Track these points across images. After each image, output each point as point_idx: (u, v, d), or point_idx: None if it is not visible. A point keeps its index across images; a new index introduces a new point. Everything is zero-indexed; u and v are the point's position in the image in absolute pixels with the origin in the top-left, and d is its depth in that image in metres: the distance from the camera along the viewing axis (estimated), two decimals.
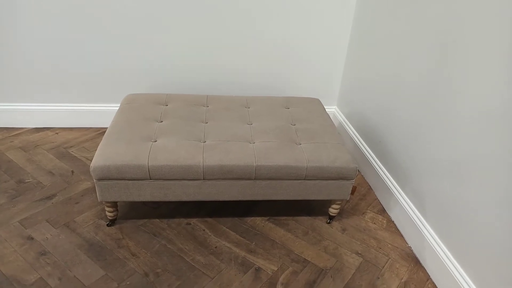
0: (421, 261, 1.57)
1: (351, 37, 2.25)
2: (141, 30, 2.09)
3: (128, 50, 2.14)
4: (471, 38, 1.26)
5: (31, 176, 1.88)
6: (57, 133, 2.26)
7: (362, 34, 2.10)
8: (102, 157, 1.44)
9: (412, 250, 1.63)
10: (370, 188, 2.01)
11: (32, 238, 1.53)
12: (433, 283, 1.49)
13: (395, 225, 1.77)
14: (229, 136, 1.59)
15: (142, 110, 1.74)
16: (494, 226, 1.19)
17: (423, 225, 1.56)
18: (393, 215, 1.79)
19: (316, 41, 2.26)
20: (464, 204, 1.32)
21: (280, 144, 1.57)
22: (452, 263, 1.38)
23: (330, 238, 1.66)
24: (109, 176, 1.43)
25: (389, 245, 1.65)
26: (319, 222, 1.75)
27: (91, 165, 1.42)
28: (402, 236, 1.71)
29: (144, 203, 1.76)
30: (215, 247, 1.56)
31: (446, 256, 1.41)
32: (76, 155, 2.07)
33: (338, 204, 1.68)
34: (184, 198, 1.53)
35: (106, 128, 2.35)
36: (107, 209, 1.56)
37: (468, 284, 1.30)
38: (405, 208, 1.67)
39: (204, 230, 1.64)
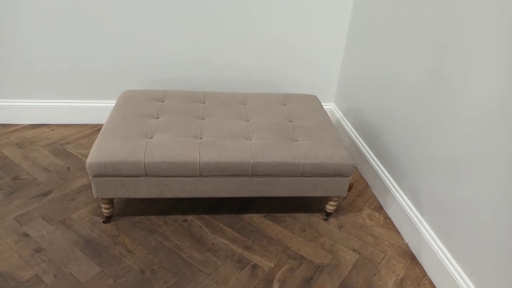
0: (418, 258, 1.57)
1: (349, 33, 2.24)
2: (138, 27, 2.08)
3: (125, 47, 2.13)
4: (471, 35, 1.26)
5: (27, 172, 1.87)
6: (53, 130, 2.24)
7: (360, 31, 2.09)
8: (98, 153, 1.43)
9: (408, 247, 1.63)
10: (367, 185, 2.01)
11: (28, 235, 1.52)
12: (429, 279, 1.49)
13: (392, 222, 1.77)
14: (225, 133, 1.59)
15: (139, 106, 1.73)
16: (491, 223, 1.19)
17: (420, 222, 1.56)
18: (390, 212, 1.79)
19: (314, 38, 2.25)
20: (461, 202, 1.32)
21: (277, 140, 1.57)
22: (449, 260, 1.38)
23: (327, 234, 1.66)
24: (105, 172, 1.42)
25: (386, 242, 1.65)
26: (316, 218, 1.74)
27: (86, 161, 1.42)
28: (398, 232, 1.71)
29: (140, 200, 1.76)
30: (212, 244, 1.56)
31: (443, 252, 1.42)
32: (72, 151, 2.06)
33: (335, 201, 1.68)
34: (181, 194, 1.53)
35: (103, 124, 2.34)
36: (103, 205, 1.55)
37: (464, 280, 1.30)
38: (402, 205, 1.67)
39: (200, 226, 1.64)
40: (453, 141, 1.35)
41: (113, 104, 2.30)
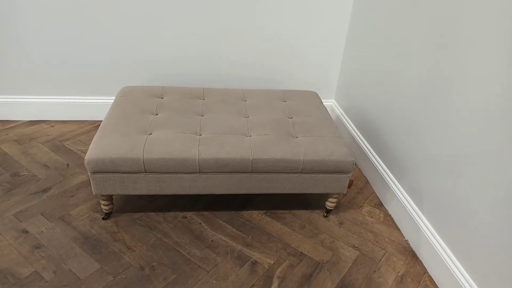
0: (418, 255, 1.57)
1: (349, 30, 2.23)
2: (137, 24, 2.07)
3: (124, 43, 2.12)
4: (471, 33, 1.25)
5: (26, 169, 1.86)
6: (52, 126, 2.24)
7: (361, 28, 2.08)
8: (97, 150, 1.42)
9: (409, 244, 1.63)
10: (367, 182, 2.00)
11: (27, 231, 1.52)
12: (429, 276, 1.49)
13: (392, 218, 1.76)
14: (225, 129, 1.58)
15: (138, 102, 1.72)
16: (491, 220, 1.18)
17: (420, 218, 1.56)
18: (390, 208, 1.78)
19: (314, 34, 2.24)
20: (461, 199, 1.32)
21: (276, 137, 1.56)
22: (449, 257, 1.38)
23: (327, 231, 1.66)
24: (103, 169, 1.42)
25: (386, 239, 1.65)
26: (316, 215, 1.74)
27: (85, 158, 1.41)
28: (399, 229, 1.70)
29: (139, 197, 1.75)
30: (211, 241, 1.56)
31: (443, 249, 1.41)
32: (71, 148, 2.06)
33: (335, 198, 1.67)
34: (180, 191, 1.52)
35: (102, 121, 2.34)
36: (102, 202, 1.55)
37: (464, 277, 1.30)
38: (402, 202, 1.67)
39: (200, 223, 1.64)
40: (453, 138, 1.34)
41: (112, 101, 2.29)
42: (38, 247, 1.45)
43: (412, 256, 1.57)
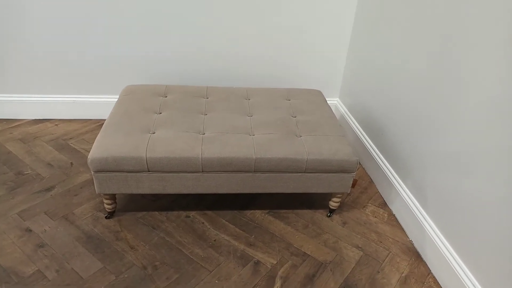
0: (422, 255, 1.56)
1: (353, 28, 2.21)
2: (141, 22, 2.07)
3: (128, 41, 2.12)
4: (478, 27, 1.23)
5: (30, 168, 1.87)
6: (56, 125, 2.24)
7: (365, 26, 2.06)
8: (100, 149, 1.42)
9: (413, 244, 1.62)
10: (371, 181, 1.99)
11: (31, 230, 1.52)
12: (434, 277, 1.47)
13: (396, 218, 1.75)
14: (228, 128, 1.57)
15: (141, 101, 1.72)
16: (497, 221, 1.17)
17: (424, 218, 1.54)
18: (394, 208, 1.77)
19: (319, 32, 2.22)
20: (467, 198, 1.30)
21: (280, 136, 1.55)
22: (454, 257, 1.36)
23: (330, 231, 1.65)
24: (107, 168, 1.42)
25: (390, 239, 1.64)
26: (319, 215, 1.73)
27: (88, 157, 1.41)
28: (403, 229, 1.69)
29: (142, 196, 1.75)
30: (214, 240, 1.55)
31: (448, 250, 1.40)
32: (75, 147, 2.06)
33: (339, 197, 1.66)
34: (183, 190, 1.52)
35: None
36: (105, 201, 1.55)
37: (469, 279, 1.29)
38: (407, 202, 1.66)
39: (203, 223, 1.63)
40: (459, 136, 1.32)
41: (117, 99, 2.29)
42: (42, 246, 1.46)
43: (416, 256, 1.56)
